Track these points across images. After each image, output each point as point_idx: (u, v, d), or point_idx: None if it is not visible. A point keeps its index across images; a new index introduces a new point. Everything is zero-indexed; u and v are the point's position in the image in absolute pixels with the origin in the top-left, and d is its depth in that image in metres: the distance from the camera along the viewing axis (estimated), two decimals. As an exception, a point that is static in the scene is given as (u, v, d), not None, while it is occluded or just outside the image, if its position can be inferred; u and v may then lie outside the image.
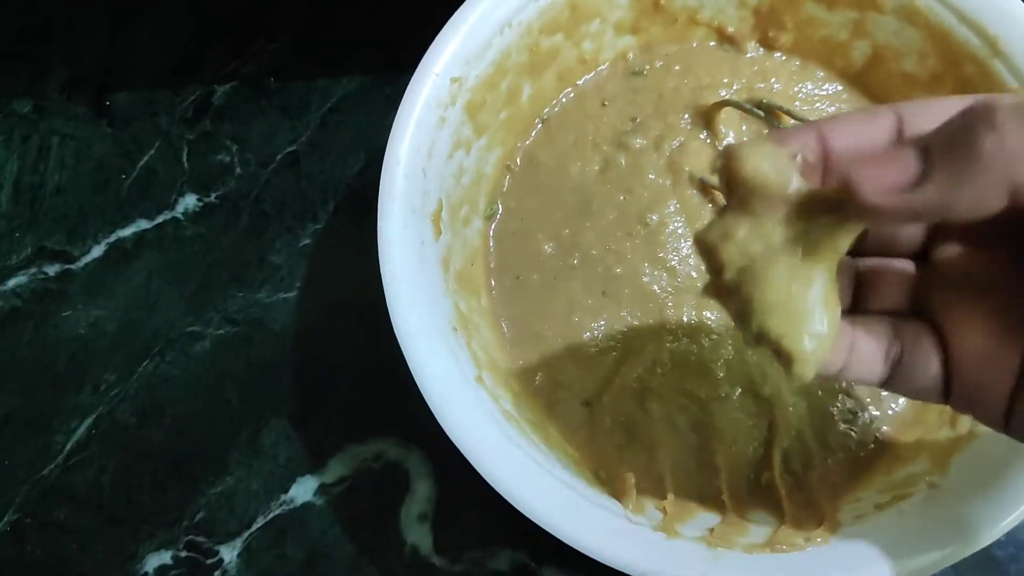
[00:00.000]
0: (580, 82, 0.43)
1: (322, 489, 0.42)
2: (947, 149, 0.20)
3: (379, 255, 0.34)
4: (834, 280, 0.24)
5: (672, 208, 0.40)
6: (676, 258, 0.39)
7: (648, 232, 0.40)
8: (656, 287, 0.39)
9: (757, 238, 0.23)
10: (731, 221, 0.24)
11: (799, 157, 0.23)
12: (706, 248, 0.25)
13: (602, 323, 0.39)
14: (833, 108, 0.42)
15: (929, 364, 0.25)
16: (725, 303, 0.25)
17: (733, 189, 0.24)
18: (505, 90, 0.40)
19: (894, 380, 0.26)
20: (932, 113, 0.23)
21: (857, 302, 0.27)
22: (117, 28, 0.50)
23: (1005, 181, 0.20)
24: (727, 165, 0.24)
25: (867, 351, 0.25)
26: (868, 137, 0.23)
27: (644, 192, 0.40)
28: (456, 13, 0.38)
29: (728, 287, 0.24)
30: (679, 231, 0.40)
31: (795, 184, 0.23)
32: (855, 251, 0.26)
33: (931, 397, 0.25)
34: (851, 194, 0.21)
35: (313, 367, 0.44)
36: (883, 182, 0.21)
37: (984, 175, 0.20)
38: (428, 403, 0.33)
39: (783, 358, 0.24)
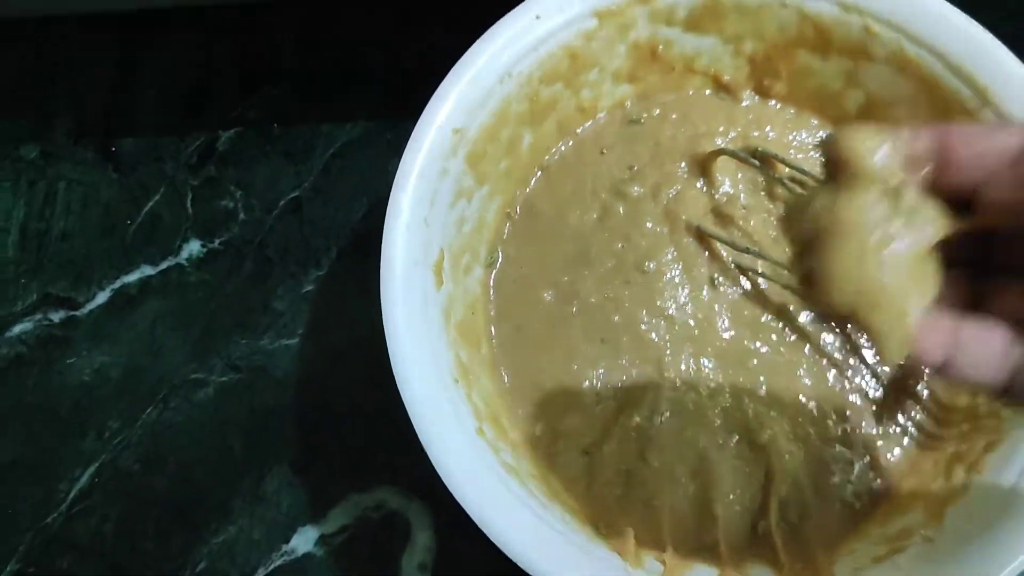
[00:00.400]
0: (579, 131, 0.44)
1: (323, 539, 0.42)
2: None
3: (382, 310, 0.35)
4: (928, 265, 0.24)
5: (669, 256, 0.40)
6: (674, 306, 0.40)
7: (646, 280, 0.40)
8: (654, 335, 0.39)
9: (852, 210, 0.24)
10: (826, 195, 0.24)
11: (905, 150, 0.24)
12: (796, 218, 0.25)
13: (601, 371, 0.39)
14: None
15: None
16: (811, 285, 0.25)
17: (835, 169, 0.24)
18: (506, 139, 0.41)
19: (1014, 390, 0.24)
20: None
21: (979, 304, 0.26)
22: (123, 73, 0.50)
23: None
24: (834, 144, 0.24)
25: (980, 351, 0.24)
26: (995, 147, 0.24)
27: (642, 240, 0.41)
28: (458, 64, 0.38)
29: (815, 270, 0.24)
30: (676, 279, 0.40)
31: (898, 176, 0.23)
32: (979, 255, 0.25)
33: None
34: (980, 199, 0.22)
35: (316, 414, 0.44)
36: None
37: None
38: (429, 456, 0.33)
39: (872, 335, 0.24)
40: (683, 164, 0.42)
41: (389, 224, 0.37)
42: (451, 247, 0.39)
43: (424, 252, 0.37)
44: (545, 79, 0.41)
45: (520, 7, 0.39)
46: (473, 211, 0.40)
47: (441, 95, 0.38)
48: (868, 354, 0.39)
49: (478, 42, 0.38)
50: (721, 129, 0.43)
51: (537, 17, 0.39)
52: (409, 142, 0.38)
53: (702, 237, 0.41)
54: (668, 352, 0.39)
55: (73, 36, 0.50)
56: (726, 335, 0.39)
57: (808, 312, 0.40)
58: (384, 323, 0.34)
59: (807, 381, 0.38)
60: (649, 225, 0.41)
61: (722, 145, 0.42)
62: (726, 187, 0.42)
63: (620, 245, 0.41)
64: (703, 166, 0.42)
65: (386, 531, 0.42)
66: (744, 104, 0.43)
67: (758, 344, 0.39)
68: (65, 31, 0.50)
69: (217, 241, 0.47)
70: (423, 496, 0.42)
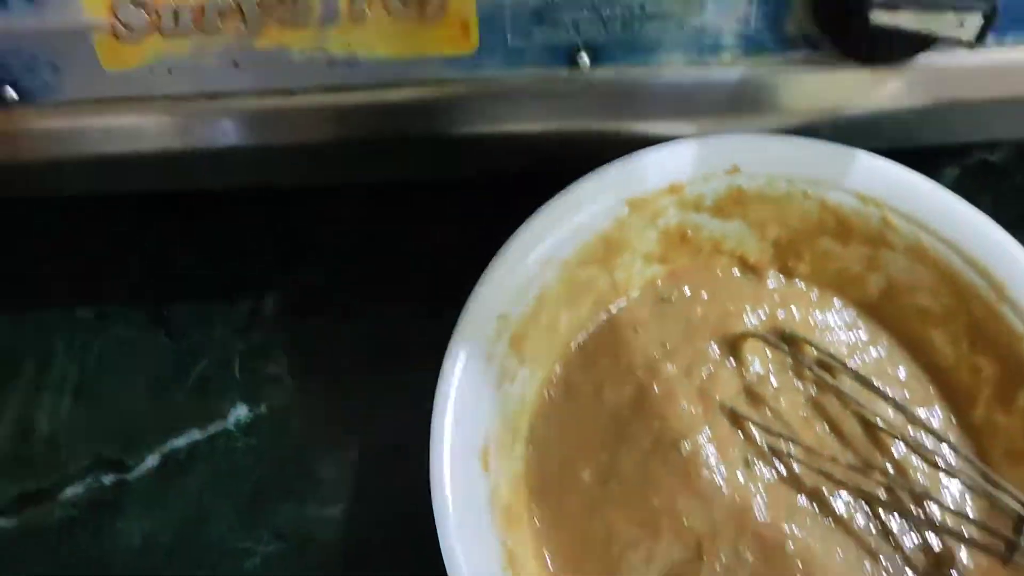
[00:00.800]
0: (612, 308, 0.46)
1: None
2: None
3: (433, 506, 0.36)
4: None
5: (704, 437, 0.42)
6: (711, 488, 0.41)
7: (682, 461, 0.42)
8: (693, 519, 0.40)
9: None
10: None
11: None
12: None
13: (641, 556, 0.40)
14: (850, 336, 0.45)
15: None
16: None
17: None
18: (546, 321, 0.43)
19: None
20: None
21: None
22: (175, 237, 0.53)
23: None
24: None
25: None
26: None
27: (677, 421, 0.42)
28: (502, 250, 0.41)
29: None
30: (712, 460, 0.42)
31: None
32: None
33: None
34: None
35: (364, 585, 0.45)
36: None
37: None
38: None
39: None
40: (714, 344, 0.44)
41: (437, 414, 0.38)
42: (496, 431, 0.41)
43: (472, 440, 0.39)
44: (582, 263, 0.43)
45: (555, 199, 0.42)
46: (516, 391, 0.42)
47: (487, 282, 0.40)
48: (904, 539, 0.40)
49: (519, 232, 0.41)
50: (749, 308, 0.45)
51: (575, 207, 0.41)
52: (455, 330, 0.40)
53: (735, 418, 0.42)
54: (707, 536, 0.40)
55: (123, 205, 0.53)
56: (762, 518, 0.40)
57: (842, 495, 0.41)
58: (436, 522, 0.36)
59: (843, 567, 0.39)
60: (684, 405, 0.43)
61: (750, 324, 0.45)
62: (756, 367, 0.44)
63: (656, 424, 0.42)
64: (733, 347, 0.44)
65: None
66: (770, 284, 0.46)
67: (795, 528, 0.40)
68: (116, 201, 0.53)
69: (264, 406, 0.49)
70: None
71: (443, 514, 0.36)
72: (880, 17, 0.35)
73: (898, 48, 0.39)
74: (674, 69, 0.41)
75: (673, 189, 0.43)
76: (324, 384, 0.49)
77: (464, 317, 0.40)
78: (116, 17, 0.38)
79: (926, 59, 0.40)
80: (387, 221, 0.54)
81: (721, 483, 0.41)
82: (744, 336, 0.44)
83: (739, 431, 0.43)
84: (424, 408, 0.39)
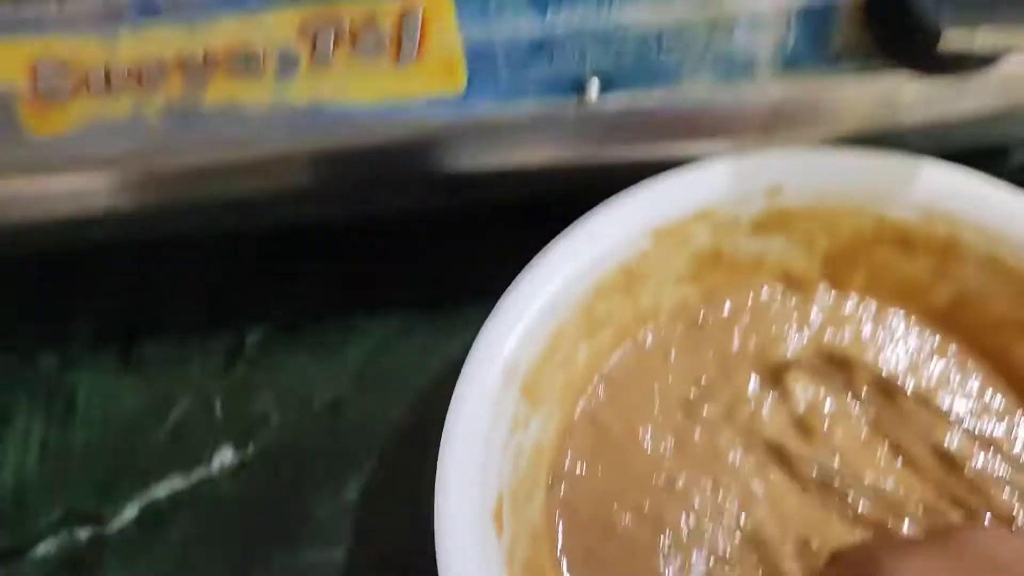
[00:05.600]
0: (639, 336, 0.40)
1: None
2: None
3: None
4: None
5: (764, 505, 0.37)
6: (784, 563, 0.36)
7: (734, 512, 0.37)
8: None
9: None
10: None
11: None
12: None
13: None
14: (913, 348, 0.39)
15: None
16: None
17: None
18: (561, 359, 0.38)
19: None
20: None
21: None
22: (143, 273, 0.47)
23: None
24: None
25: None
26: None
27: (731, 482, 0.38)
28: (504, 296, 0.35)
29: None
30: (776, 530, 0.37)
31: None
32: None
33: None
34: None
35: (367, 639, 0.41)
36: None
37: None
38: None
39: None
40: (754, 376, 0.39)
41: (441, 481, 0.33)
42: (510, 487, 0.36)
43: (482, 501, 0.34)
44: (600, 296, 0.37)
45: (571, 229, 0.36)
46: (530, 438, 0.37)
47: (488, 334, 0.35)
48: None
49: (525, 273, 0.35)
50: (793, 332, 0.39)
51: (590, 238, 0.36)
52: (456, 388, 0.35)
53: (784, 459, 0.37)
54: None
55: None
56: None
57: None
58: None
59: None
60: (735, 461, 0.38)
61: (795, 349, 0.39)
62: (804, 394, 0.39)
63: (709, 486, 0.38)
64: (776, 376, 0.39)
65: None
66: (817, 301, 0.40)
67: None
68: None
69: (250, 449, 0.44)
70: None
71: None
72: (954, 40, 0.28)
73: (970, 62, 0.32)
74: (700, 91, 0.35)
75: (704, 215, 0.37)
76: (317, 419, 0.44)
77: (466, 372, 0.35)
78: (36, 81, 0.33)
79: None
80: (380, 253, 0.48)
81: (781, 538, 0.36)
82: (787, 366, 0.38)
83: (790, 478, 0.37)
84: (427, 439, 0.34)
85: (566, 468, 0.39)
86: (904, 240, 0.37)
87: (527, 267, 0.35)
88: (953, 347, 0.40)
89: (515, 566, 0.35)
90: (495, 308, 0.35)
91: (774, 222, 0.37)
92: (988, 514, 0.36)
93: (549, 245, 0.36)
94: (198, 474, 0.44)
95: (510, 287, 0.35)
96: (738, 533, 0.37)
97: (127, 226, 0.39)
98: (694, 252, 0.38)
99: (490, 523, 0.34)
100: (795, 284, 0.40)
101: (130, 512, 0.44)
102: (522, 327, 0.35)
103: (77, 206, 0.37)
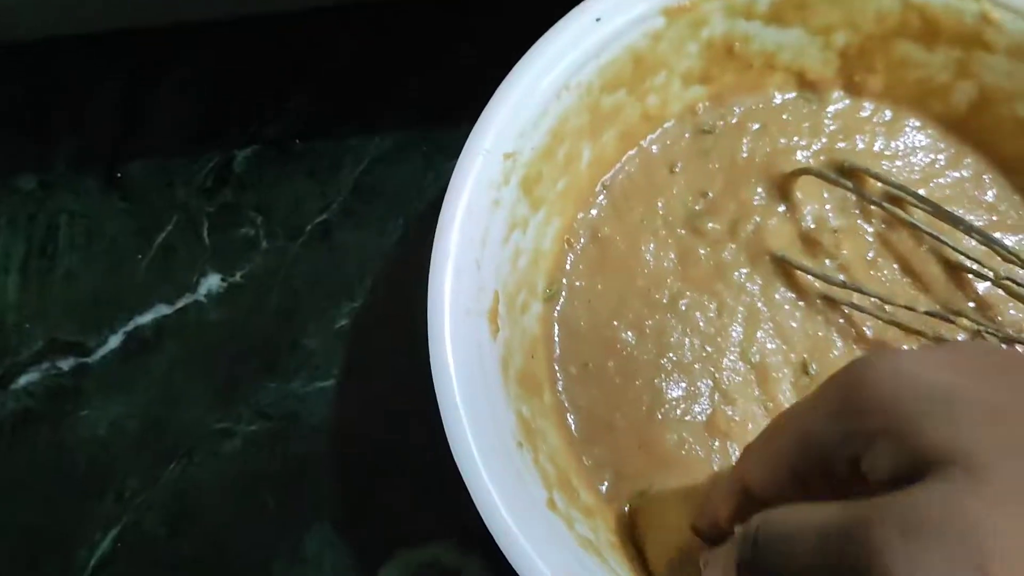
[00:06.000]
0: (644, 142, 0.38)
1: (374, 603, 0.38)
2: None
3: (432, 370, 0.30)
4: None
5: (767, 326, 0.36)
6: (784, 394, 0.35)
7: (740, 335, 0.35)
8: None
9: None
10: None
11: None
12: None
13: (686, 423, 0.34)
14: (928, 159, 0.38)
15: None
16: None
17: None
18: (563, 157, 0.36)
19: None
20: None
21: None
22: (127, 95, 0.45)
23: None
24: None
25: None
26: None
27: (736, 305, 0.36)
28: (508, 78, 0.33)
29: None
30: (780, 366, 0.36)
31: None
32: None
33: None
34: None
35: (357, 464, 0.40)
36: None
37: None
38: (495, 538, 0.29)
39: None
40: (760, 189, 0.37)
41: (435, 271, 0.32)
42: (506, 287, 0.34)
43: (477, 298, 0.32)
44: (606, 87, 0.35)
45: (577, 9, 0.33)
46: (528, 241, 0.35)
47: (489, 116, 0.33)
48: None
49: (530, 52, 0.33)
50: (803, 142, 0.38)
51: (598, 19, 0.33)
52: (454, 174, 0.33)
53: (789, 271, 0.36)
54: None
55: (74, 58, 0.45)
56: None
57: (913, 346, 0.35)
58: (436, 393, 0.30)
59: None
60: (739, 279, 0.36)
61: (804, 160, 0.37)
62: (810, 210, 0.37)
63: (713, 307, 0.36)
64: (783, 188, 0.37)
65: (442, 591, 0.37)
66: (831, 108, 0.38)
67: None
68: (66, 52, 0.45)
69: (238, 274, 0.42)
70: (481, 550, 0.38)
71: (445, 387, 0.30)
72: None
73: None
74: None
75: (721, -9, 0.34)
76: (307, 244, 0.43)
77: (463, 158, 0.33)
78: None
79: None
80: (375, 72, 0.45)
81: (795, 380, 0.35)
82: (796, 174, 0.36)
83: (795, 295, 0.36)
84: (422, 264, 0.32)
85: (565, 280, 0.37)
86: (929, 27, 0.35)
87: (531, 48, 0.33)
88: (969, 159, 0.38)
89: (510, 375, 0.33)
90: (496, 92, 0.33)
91: (791, 8, 0.35)
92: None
93: (554, 26, 0.33)
94: (184, 301, 0.42)
95: (512, 70, 0.33)
96: (740, 363, 0.35)
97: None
98: (707, 42, 0.36)
99: (485, 323, 0.33)
100: (809, 87, 0.38)
101: (114, 341, 0.42)
102: (525, 112, 0.33)
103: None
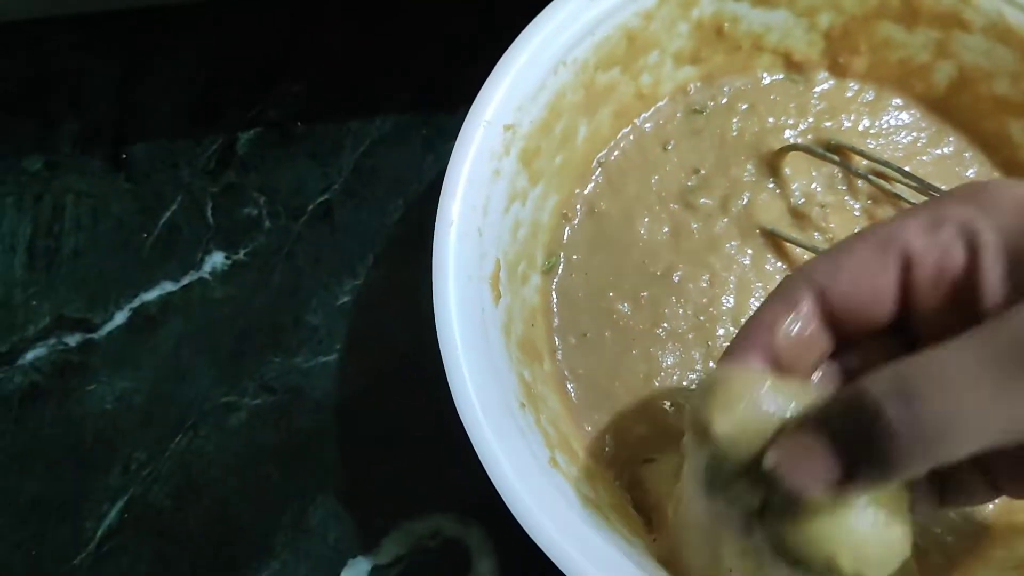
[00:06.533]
0: (638, 120, 0.40)
1: (376, 572, 0.38)
2: (860, 443, 0.20)
3: (437, 334, 0.31)
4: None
5: (759, 294, 0.37)
6: None
7: (732, 306, 0.37)
8: None
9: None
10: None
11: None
12: None
13: (681, 391, 0.35)
14: (911, 138, 0.39)
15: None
16: None
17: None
18: (560, 133, 0.37)
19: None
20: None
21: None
22: (131, 75, 0.46)
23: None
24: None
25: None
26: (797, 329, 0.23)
27: (727, 275, 0.38)
28: (507, 53, 0.34)
29: None
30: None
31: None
32: None
33: None
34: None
35: (360, 437, 0.40)
36: (811, 476, 0.21)
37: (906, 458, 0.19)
38: (502, 495, 0.30)
39: None
40: (750, 166, 0.39)
41: (439, 236, 0.33)
42: (507, 255, 0.35)
43: (479, 265, 0.34)
44: (601, 64, 0.37)
45: (572, -11, 0.35)
46: (527, 214, 0.37)
47: (490, 89, 0.34)
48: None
49: (528, 28, 0.35)
50: (791, 121, 0.39)
51: (591, -2, 0.35)
52: (457, 143, 0.34)
53: (779, 244, 0.37)
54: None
55: (78, 39, 0.46)
56: None
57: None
58: (441, 348, 0.31)
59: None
60: (730, 251, 0.38)
61: (792, 138, 0.39)
62: (801, 185, 0.38)
63: (706, 278, 0.38)
64: (772, 165, 0.38)
65: (445, 560, 0.38)
66: (817, 88, 0.39)
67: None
68: (69, 34, 0.46)
69: (242, 252, 0.43)
70: (481, 520, 0.39)
71: (450, 345, 0.31)
72: None
73: None
74: None
75: (709, -30, 0.36)
76: (310, 224, 0.44)
77: (465, 129, 0.34)
78: None
79: None
80: (375, 57, 0.46)
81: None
82: (785, 151, 0.38)
83: (781, 263, 0.37)
84: (425, 241, 0.33)
85: (563, 253, 0.38)
86: (909, 7, 0.36)
87: (528, 26, 0.35)
88: (951, 136, 0.39)
89: (512, 340, 0.35)
90: (496, 66, 0.35)
91: (778, -12, 0.37)
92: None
93: (550, 4, 0.35)
94: (188, 278, 0.43)
95: (511, 45, 0.35)
96: (734, 329, 0.37)
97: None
98: (697, 23, 0.37)
99: (487, 288, 0.34)
100: (795, 68, 0.39)
101: (120, 317, 0.43)
102: (524, 85, 0.34)
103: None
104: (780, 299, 0.24)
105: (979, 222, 0.21)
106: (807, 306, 0.23)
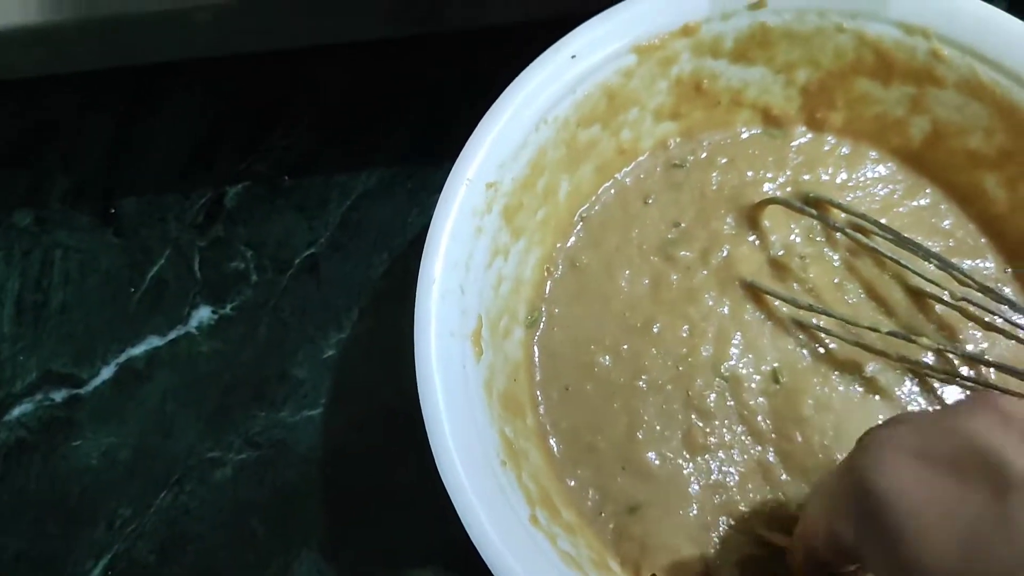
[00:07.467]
0: (619, 175, 0.40)
1: (360, 626, 0.38)
2: None
3: (418, 390, 0.31)
4: None
5: (737, 342, 0.37)
6: (762, 416, 0.36)
7: (711, 357, 0.37)
8: (743, 454, 0.36)
9: None
10: None
11: None
12: None
13: (665, 443, 0.36)
14: (887, 190, 0.40)
15: None
16: None
17: None
18: (542, 189, 0.37)
19: None
20: None
21: None
22: (121, 131, 0.47)
23: None
24: None
25: None
26: None
27: (706, 326, 0.38)
28: (490, 111, 0.35)
29: None
30: (744, 365, 0.37)
31: None
32: None
33: None
34: None
35: (344, 491, 0.41)
36: None
37: None
38: (482, 555, 0.30)
39: None
40: (730, 219, 0.39)
41: (421, 294, 0.33)
42: (489, 312, 0.36)
43: (461, 321, 0.34)
44: (582, 122, 0.37)
45: (554, 47, 0.35)
46: (510, 269, 0.37)
47: (472, 146, 0.35)
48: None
49: (510, 87, 0.35)
50: (770, 175, 0.40)
51: (573, 56, 0.35)
52: (439, 201, 0.34)
53: (758, 297, 0.37)
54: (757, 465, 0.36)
55: (68, 94, 0.47)
56: (807, 412, 0.36)
57: (877, 364, 0.36)
58: (422, 408, 0.31)
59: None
60: (709, 302, 0.38)
61: (771, 191, 0.39)
62: (781, 237, 0.39)
63: (685, 328, 0.38)
64: (752, 219, 0.39)
65: (429, 615, 0.38)
66: (795, 143, 0.40)
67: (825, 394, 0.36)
68: (64, 89, 0.46)
69: (229, 306, 0.43)
70: (465, 574, 0.38)
71: (431, 400, 0.31)
72: None
73: None
74: None
75: (687, 30, 0.37)
76: (296, 277, 0.44)
77: (448, 187, 0.34)
78: None
79: None
80: (362, 112, 0.47)
81: (764, 401, 0.36)
82: (764, 204, 0.38)
83: (763, 316, 0.37)
84: (410, 293, 0.33)
85: (544, 307, 0.39)
86: (883, 64, 0.37)
87: (511, 84, 0.35)
88: (928, 189, 0.40)
89: (493, 397, 0.35)
90: (479, 124, 0.35)
91: (756, 47, 0.37)
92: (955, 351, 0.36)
93: (533, 63, 0.35)
94: (175, 332, 0.44)
95: (494, 103, 0.35)
96: (714, 378, 0.37)
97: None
98: (676, 80, 0.38)
99: (469, 346, 0.34)
100: (773, 123, 0.40)
101: (107, 372, 0.43)
102: (506, 143, 0.35)
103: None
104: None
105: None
106: None
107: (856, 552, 0.24)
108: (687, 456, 0.36)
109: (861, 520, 0.24)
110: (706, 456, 0.35)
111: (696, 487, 0.35)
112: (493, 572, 0.30)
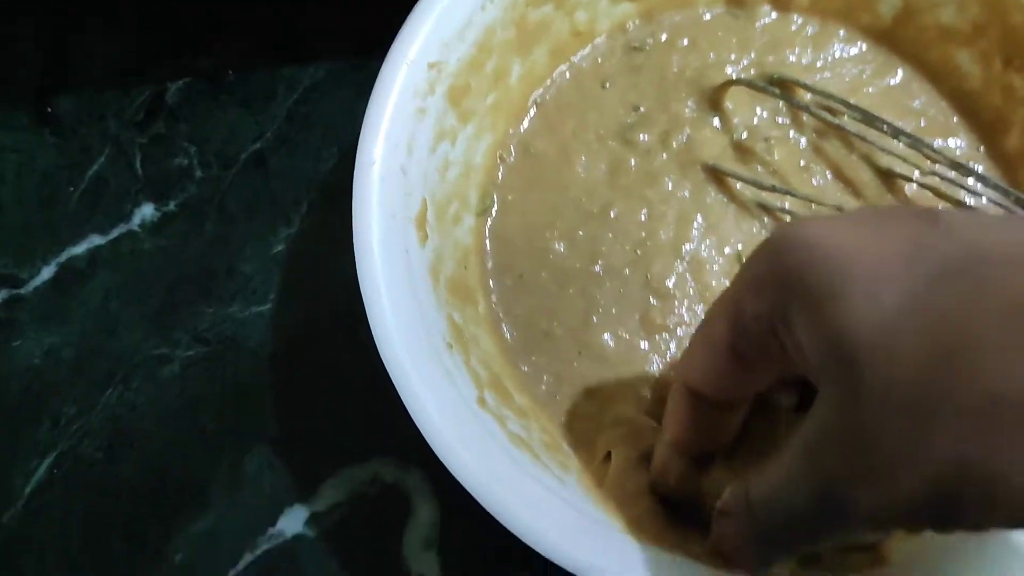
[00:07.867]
0: (575, 58, 0.38)
1: (313, 519, 0.38)
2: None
3: (358, 272, 0.30)
4: None
5: (697, 225, 0.36)
6: (719, 280, 0.36)
7: (670, 240, 0.36)
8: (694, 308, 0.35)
9: None
10: None
11: None
12: None
13: (630, 339, 0.35)
14: (856, 70, 0.38)
15: None
16: None
17: None
18: (491, 71, 0.36)
19: None
20: None
21: None
22: (58, 29, 0.44)
23: None
24: None
25: None
26: None
27: (666, 209, 0.37)
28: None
29: None
30: (707, 247, 0.36)
31: None
32: None
33: None
34: None
35: (295, 386, 0.40)
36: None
37: None
38: (426, 437, 0.29)
39: None
40: (691, 103, 0.38)
41: (359, 175, 0.32)
42: (435, 196, 0.34)
43: (403, 204, 0.33)
44: (532, 1, 0.35)
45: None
46: (458, 154, 0.36)
47: (411, 27, 0.33)
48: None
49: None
50: (733, 57, 0.38)
51: (518, -73, 0.33)
52: (377, 81, 0.33)
53: (719, 179, 0.36)
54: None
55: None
56: None
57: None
58: (362, 289, 0.30)
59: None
60: (669, 186, 0.37)
61: (735, 74, 0.38)
62: (744, 120, 0.38)
63: (644, 212, 0.37)
64: (714, 102, 0.37)
65: (384, 506, 0.37)
66: (760, 22, 0.38)
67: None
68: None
69: (172, 203, 0.42)
70: (422, 465, 0.38)
71: (372, 285, 0.30)
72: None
73: None
74: None
75: None
76: (242, 173, 0.42)
77: (386, 65, 0.33)
78: None
79: None
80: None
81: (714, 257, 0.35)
82: (727, 86, 0.37)
83: (726, 198, 0.36)
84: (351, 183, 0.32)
85: (496, 195, 0.37)
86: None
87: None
88: (898, 64, 0.38)
89: (440, 283, 0.34)
90: (417, 4, 0.33)
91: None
92: None
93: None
94: (117, 231, 0.42)
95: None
96: (677, 261, 0.36)
97: None
98: (632, -48, 0.36)
99: (412, 229, 0.33)
100: (737, 2, 0.39)
101: (47, 272, 0.42)
102: (448, 22, 0.33)
103: None
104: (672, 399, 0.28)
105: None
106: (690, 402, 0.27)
107: (769, 324, 0.22)
108: (644, 335, 0.35)
109: (783, 284, 0.21)
110: (664, 335, 0.35)
111: (654, 366, 0.34)
112: (437, 454, 0.29)
